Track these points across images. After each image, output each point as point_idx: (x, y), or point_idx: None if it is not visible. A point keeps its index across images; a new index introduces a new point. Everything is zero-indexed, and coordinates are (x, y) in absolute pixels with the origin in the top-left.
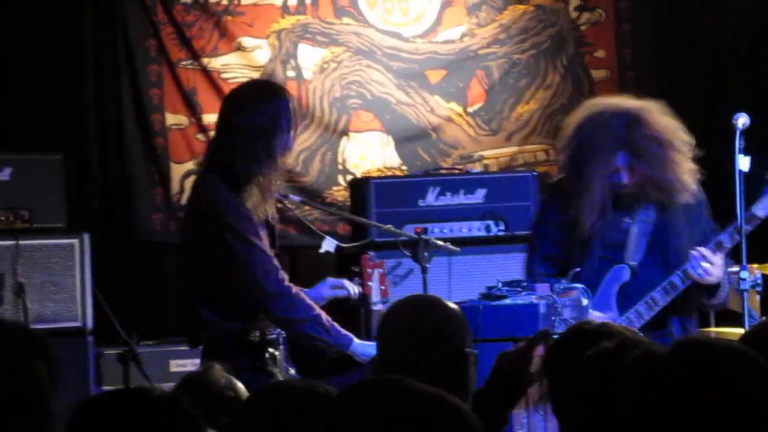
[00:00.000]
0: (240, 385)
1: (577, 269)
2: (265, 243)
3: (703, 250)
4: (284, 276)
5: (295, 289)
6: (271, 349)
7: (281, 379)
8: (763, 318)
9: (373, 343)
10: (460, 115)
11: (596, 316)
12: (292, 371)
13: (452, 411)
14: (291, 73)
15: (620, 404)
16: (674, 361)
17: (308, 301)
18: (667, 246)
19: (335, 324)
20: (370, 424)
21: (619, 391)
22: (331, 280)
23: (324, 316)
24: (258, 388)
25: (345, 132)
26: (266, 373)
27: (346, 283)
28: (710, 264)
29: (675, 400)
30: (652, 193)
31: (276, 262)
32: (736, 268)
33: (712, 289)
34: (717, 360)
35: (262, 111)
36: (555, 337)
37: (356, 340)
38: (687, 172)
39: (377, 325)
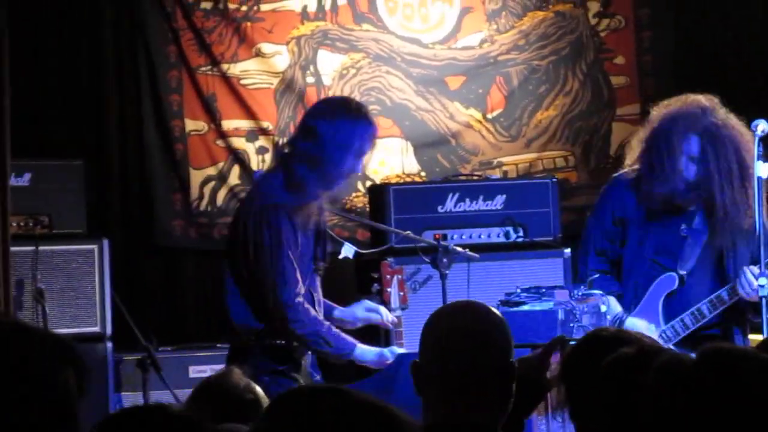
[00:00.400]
0: (259, 388)
1: (595, 276)
2: (297, 254)
3: (755, 269)
4: (301, 291)
5: (304, 305)
6: (295, 355)
7: (303, 384)
8: None
9: (374, 349)
10: (480, 122)
11: (636, 323)
12: (318, 377)
13: (392, 422)
14: (310, 80)
15: (643, 410)
16: (702, 369)
17: (313, 314)
18: (721, 259)
19: (339, 333)
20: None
21: (643, 397)
22: (367, 303)
23: (326, 328)
24: (279, 394)
25: None
26: (289, 378)
27: (382, 309)
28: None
29: (702, 407)
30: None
31: (298, 275)
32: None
33: (759, 306)
34: (744, 368)
35: (343, 126)
36: (572, 343)
37: (359, 346)
38: (750, 201)
39: (421, 330)
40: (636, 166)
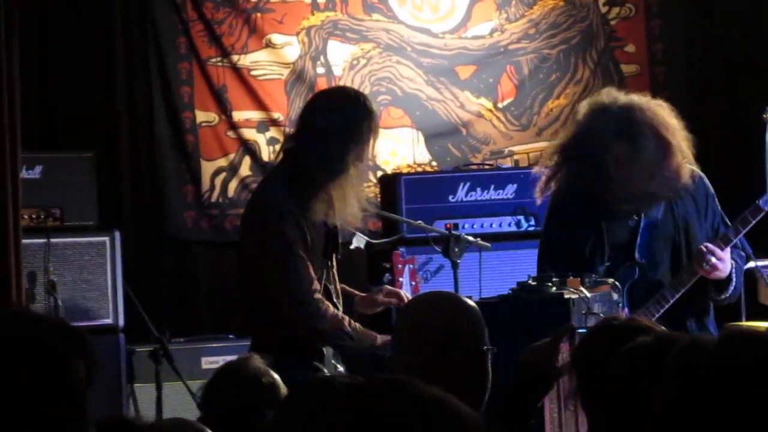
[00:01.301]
0: (276, 375)
1: (607, 263)
2: (307, 251)
3: (710, 245)
4: (316, 287)
5: (322, 301)
6: (317, 344)
7: (324, 374)
8: None
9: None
10: (491, 111)
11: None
12: (341, 369)
13: (453, 414)
14: (321, 70)
15: (659, 398)
16: (723, 353)
17: (331, 310)
18: (676, 242)
19: (358, 327)
20: (370, 425)
21: (662, 384)
22: (387, 288)
23: (346, 323)
24: (297, 383)
25: None
26: (311, 368)
27: (402, 293)
28: (717, 259)
29: (723, 392)
30: (648, 195)
31: (311, 271)
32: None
33: (722, 284)
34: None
35: (342, 115)
36: (582, 331)
37: (380, 338)
38: (682, 169)
39: (394, 322)
40: (560, 174)
